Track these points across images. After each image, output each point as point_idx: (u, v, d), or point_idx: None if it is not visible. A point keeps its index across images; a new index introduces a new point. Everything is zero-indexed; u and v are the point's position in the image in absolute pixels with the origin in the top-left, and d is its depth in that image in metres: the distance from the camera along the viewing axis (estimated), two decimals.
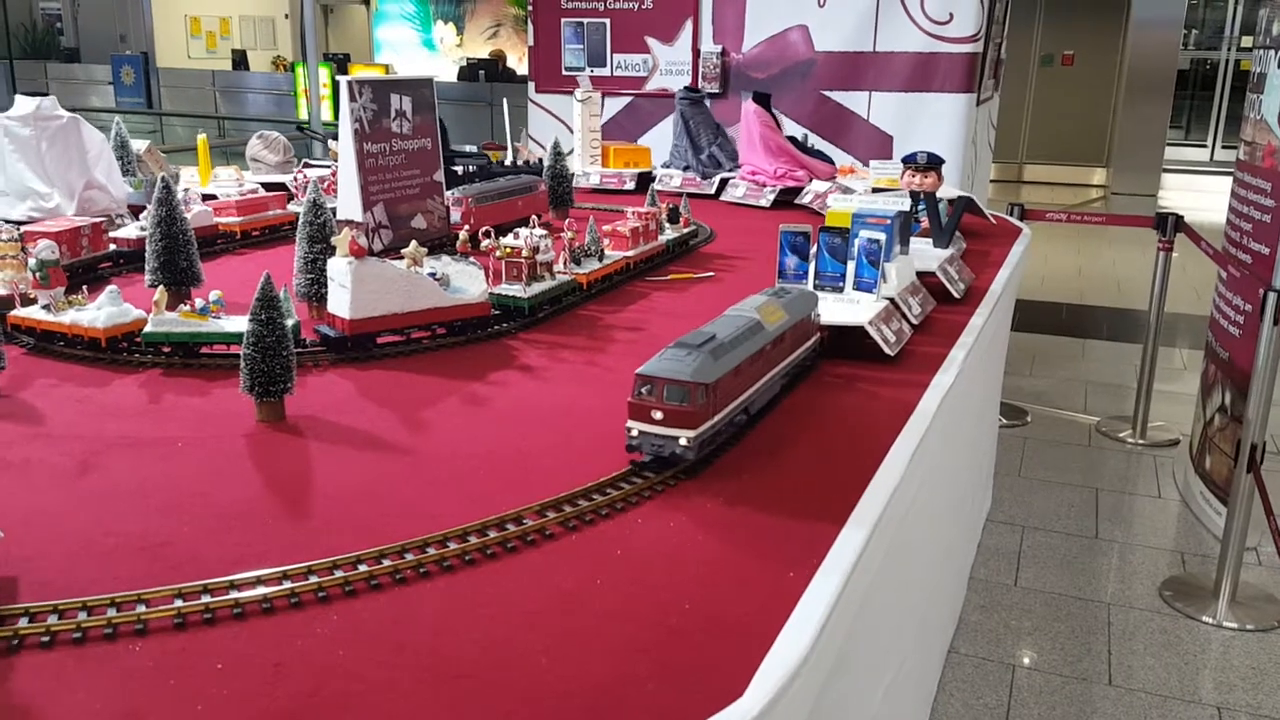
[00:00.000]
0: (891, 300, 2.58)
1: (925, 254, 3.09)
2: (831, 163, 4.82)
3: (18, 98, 3.51)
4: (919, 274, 2.92)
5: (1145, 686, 3.49)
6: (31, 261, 2.38)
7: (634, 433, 1.71)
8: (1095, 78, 15.75)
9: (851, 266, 2.55)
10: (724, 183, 4.76)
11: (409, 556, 1.44)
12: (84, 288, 2.50)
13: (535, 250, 2.74)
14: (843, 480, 1.74)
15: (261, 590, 1.33)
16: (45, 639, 1.23)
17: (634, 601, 1.37)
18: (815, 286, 2.53)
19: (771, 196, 4.47)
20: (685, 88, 5.26)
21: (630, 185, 4.94)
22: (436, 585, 1.39)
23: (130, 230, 3.11)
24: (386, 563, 1.42)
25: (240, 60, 17.66)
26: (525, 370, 2.38)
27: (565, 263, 2.90)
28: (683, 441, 1.68)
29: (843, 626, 1.42)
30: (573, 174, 4.97)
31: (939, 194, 3.59)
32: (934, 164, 3.73)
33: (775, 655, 1.24)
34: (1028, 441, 5.61)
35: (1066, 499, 4.93)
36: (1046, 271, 9.45)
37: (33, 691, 1.14)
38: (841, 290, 2.54)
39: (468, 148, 5.23)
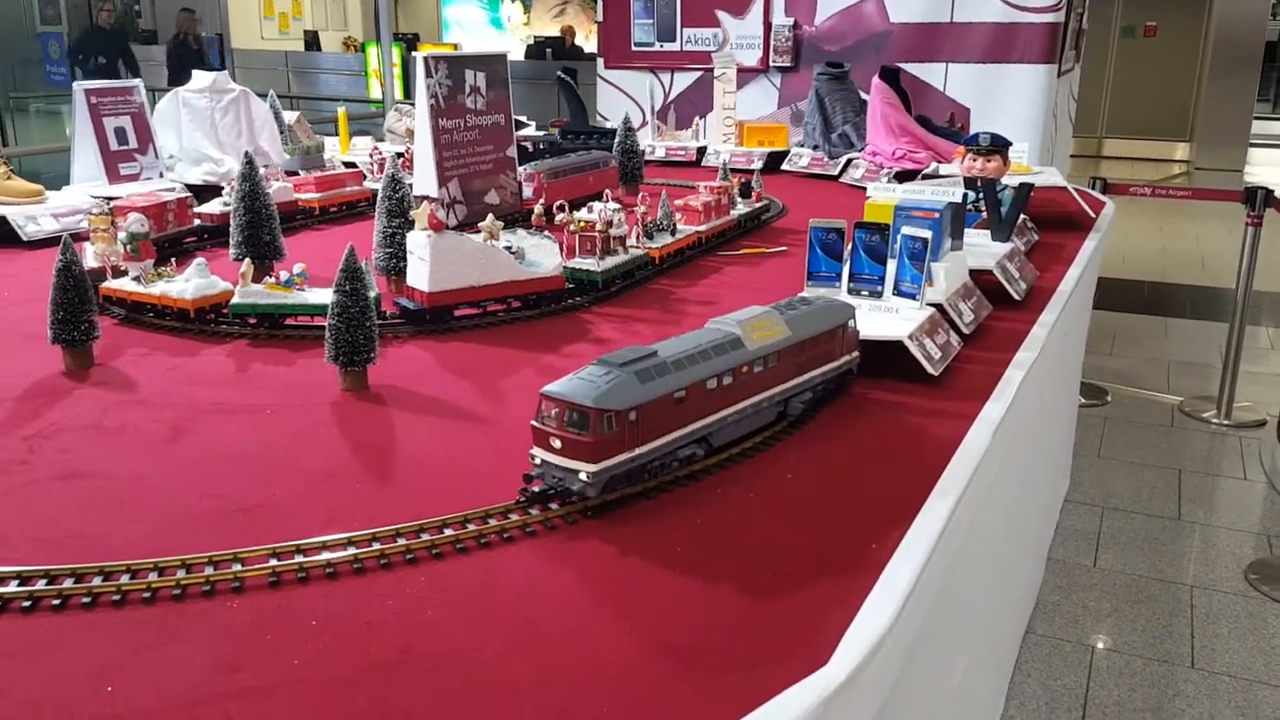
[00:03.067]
0: (938, 307, 2.25)
1: (982, 249, 2.74)
2: (1008, 145, 4.36)
3: (195, 72, 3.94)
4: (973, 272, 2.57)
5: (1230, 670, 3.41)
6: (121, 234, 2.45)
7: (537, 460, 1.49)
8: (1178, 49, 15.23)
9: (892, 268, 2.21)
10: (849, 164, 4.52)
11: (492, 522, 1.45)
12: (172, 260, 2.57)
13: (609, 224, 2.75)
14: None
15: (352, 551, 1.36)
16: (147, 595, 1.27)
17: (716, 569, 1.38)
18: (849, 291, 2.22)
19: (885, 179, 4.24)
20: (826, 63, 4.89)
21: (758, 165, 4.68)
22: (519, 550, 1.41)
23: (214, 206, 3.19)
24: (471, 527, 1.44)
25: (312, 41, 17.93)
26: (599, 343, 2.38)
27: (638, 237, 2.90)
28: (582, 476, 1.43)
29: (927, 597, 1.41)
30: (704, 147, 4.92)
31: (1005, 179, 3.18)
32: (998, 146, 3.24)
33: (861, 624, 1.24)
34: (1108, 421, 5.48)
35: (1148, 480, 4.81)
36: (1128, 248, 9.19)
37: (137, 645, 1.18)
38: (880, 296, 2.20)
39: (607, 124, 5.21)
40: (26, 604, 1.25)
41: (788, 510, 1.55)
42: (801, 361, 1.79)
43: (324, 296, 2.28)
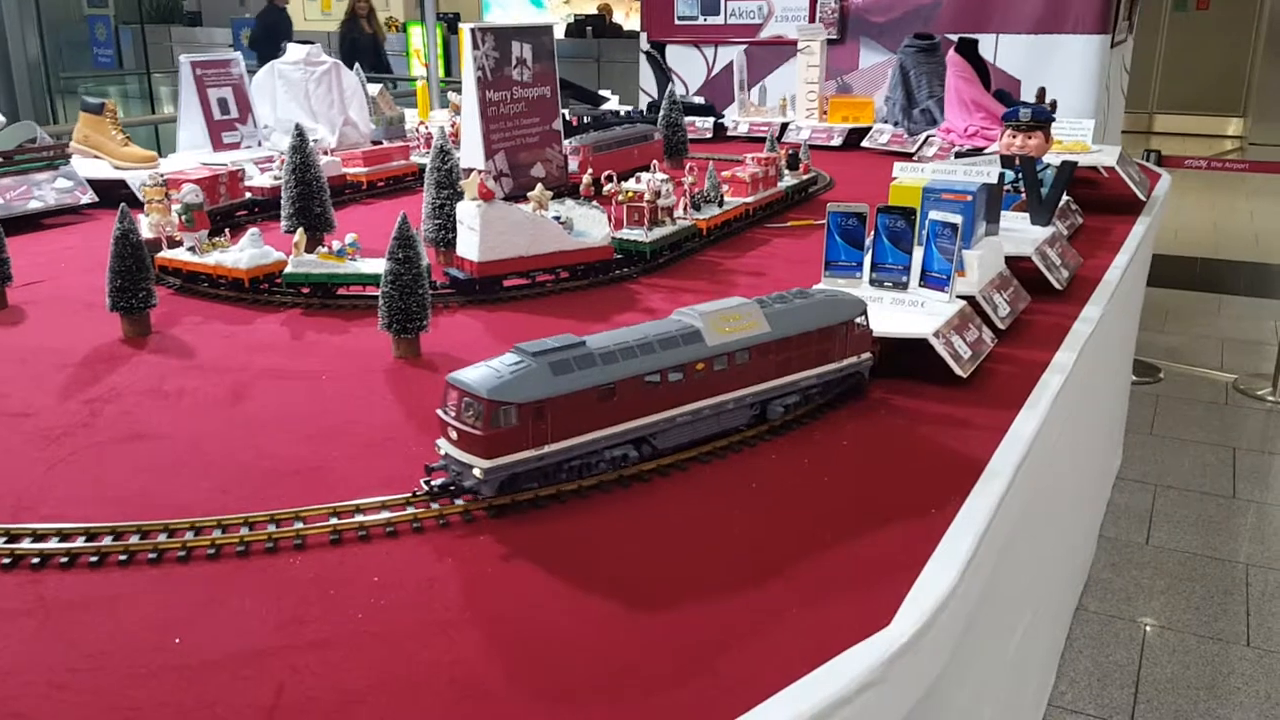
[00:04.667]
0: (970, 300, 2.07)
1: (1020, 234, 2.54)
2: (1051, 120, 4.18)
3: (290, 45, 4.06)
4: (1011, 260, 2.37)
5: None
6: (176, 205, 2.47)
7: (442, 450, 1.41)
8: (1233, 22, 14.84)
9: (918, 256, 2.02)
10: (926, 141, 4.35)
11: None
12: (226, 230, 2.59)
13: (656, 195, 2.73)
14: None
15: (411, 511, 1.37)
16: (211, 551, 1.29)
17: (775, 531, 1.37)
18: (871, 282, 2.04)
19: (951, 157, 4.17)
20: (914, 34, 4.63)
21: (837, 141, 4.60)
22: (571, 510, 1.41)
23: (264, 179, 3.21)
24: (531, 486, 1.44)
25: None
26: (648, 313, 2.37)
27: (685, 208, 2.88)
28: (476, 473, 1.34)
29: (988, 563, 1.39)
30: (787, 123, 4.83)
31: (1046, 158, 2.90)
32: (1040, 121, 2.93)
33: (922, 587, 1.23)
34: (1160, 399, 5.39)
35: (1201, 457, 4.73)
36: (1180, 224, 9.01)
37: (203, 599, 1.20)
38: (904, 287, 2.01)
39: (697, 100, 5.17)
40: (94, 559, 1.28)
41: (855, 470, 1.54)
42: (785, 361, 1.63)
43: (375, 266, 2.30)
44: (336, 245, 2.36)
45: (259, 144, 3.91)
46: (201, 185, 2.70)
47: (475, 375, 1.35)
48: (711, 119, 4.94)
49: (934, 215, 1.96)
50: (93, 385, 1.86)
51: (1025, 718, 2.51)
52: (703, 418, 1.55)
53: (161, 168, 3.45)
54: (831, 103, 4.82)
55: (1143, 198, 3.48)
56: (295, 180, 2.62)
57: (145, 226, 2.53)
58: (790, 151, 3.46)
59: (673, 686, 1.05)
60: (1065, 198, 2.93)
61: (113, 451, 1.59)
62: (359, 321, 2.23)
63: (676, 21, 6.06)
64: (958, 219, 1.92)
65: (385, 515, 1.36)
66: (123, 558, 1.28)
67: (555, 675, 1.07)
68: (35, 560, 1.27)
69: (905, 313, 1.95)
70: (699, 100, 5.21)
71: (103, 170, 3.49)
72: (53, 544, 1.30)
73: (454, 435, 1.36)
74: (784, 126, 4.82)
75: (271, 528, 1.33)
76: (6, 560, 1.27)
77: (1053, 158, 2.94)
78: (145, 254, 2.07)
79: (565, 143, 3.48)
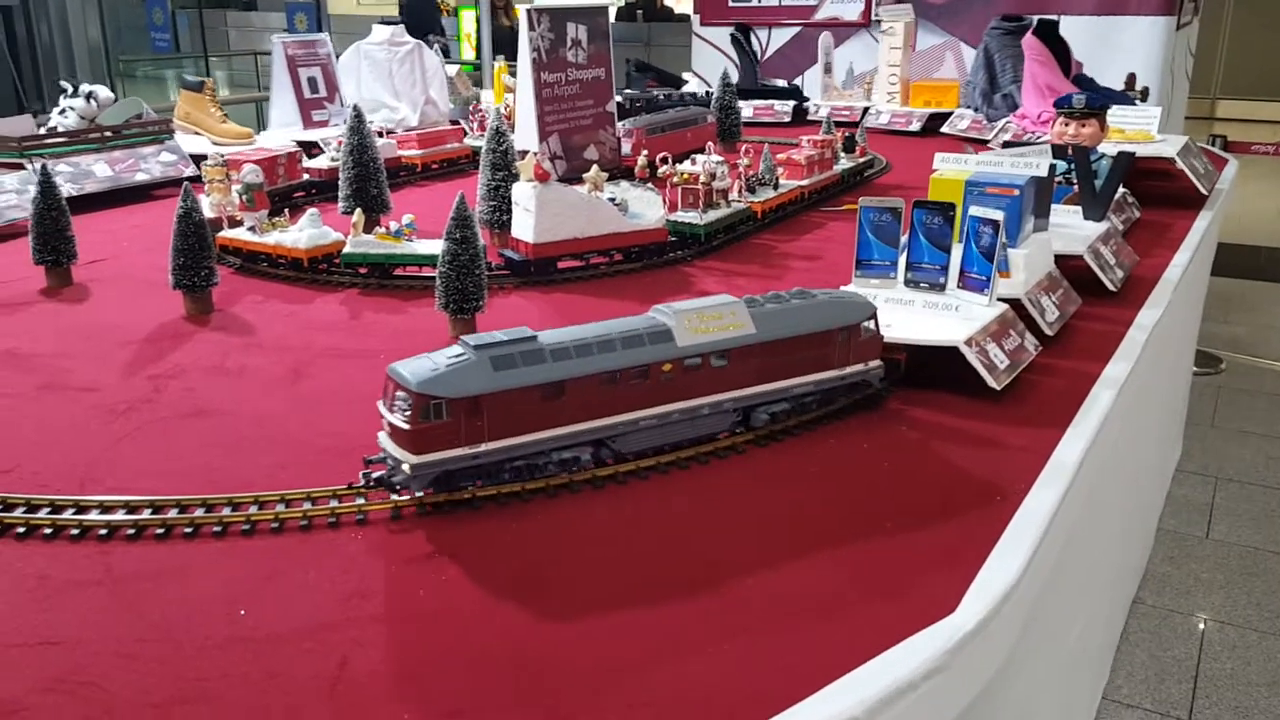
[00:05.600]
0: (1015, 303, 1.91)
1: (1071, 231, 2.36)
2: (1129, 103, 3.73)
3: (375, 26, 4.18)
4: (1061, 258, 2.21)
5: None
6: (237, 186, 2.50)
7: (381, 443, 1.35)
8: None
9: (958, 255, 1.86)
10: (1003, 128, 4.11)
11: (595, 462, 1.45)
12: (285, 210, 2.62)
13: (711, 177, 2.71)
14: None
15: (469, 490, 1.37)
16: (275, 525, 1.31)
17: (842, 518, 1.36)
18: (907, 282, 1.89)
19: (998, 147, 3.93)
20: (1002, 16, 4.37)
21: (916, 126, 4.45)
22: (632, 490, 1.40)
23: (321, 160, 3.24)
24: (586, 457, 1.43)
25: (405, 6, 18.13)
26: (705, 295, 2.36)
27: (740, 191, 2.86)
28: (405, 468, 1.29)
29: (1053, 553, 1.37)
30: (867, 107, 4.69)
31: (1101, 148, 2.74)
32: (1094, 110, 2.72)
33: (988, 575, 1.21)
34: (1222, 390, 5.26)
35: (1265, 450, 4.61)
36: (1245, 212, 8.76)
37: (267, 572, 1.21)
38: (941, 289, 1.86)
39: (779, 83, 5.11)
40: (160, 532, 1.30)
41: (920, 459, 1.52)
42: (772, 366, 1.52)
43: (432, 247, 2.31)
44: (394, 226, 2.37)
45: (344, 122, 3.96)
46: (260, 166, 2.73)
47: (410, 367, 1.30)
48: (792, 103, 4.80)
49: (974, 211, 1.80)
50: (156, 361, 1.89)
51: (1080, 711, 2.47)
52: (673, 422, 1.44)
53: (257, 143, 3.63)
54: (914, 86, 4.66)
55: (1205, 191, 3.29)
56: (353, 162, 2.63)
57: (206, 206, 2.56)
58: (846, 134, 3.42)
59: (736, 664, 1.05)
60: (1121, 190, 2.76)
61: (177, 427, 1.62)
62: (415, 302, 2.25)
63: (730, 4, 6.01)
64: (1000, 215, 1.76)
65: (444, 495, 1.36)
66: (188, 530, 1.30)
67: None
68: (103, 531, 1.29)
69: (938, 317, 1.80)
70: (781, 83, 5.12)
71: (202, 146, 3.64)
72: (119, 516, 1.32)
73: (387, 428, 1.32)
74: (865, 111, 4.70)
75: (333, 503, 1.34)
76: (75, 531, 1.29)
77: (1109, 147, 2.78)
78: (208, 233, 2.10)
79: (619, 125, 3.47)
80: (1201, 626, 3.37)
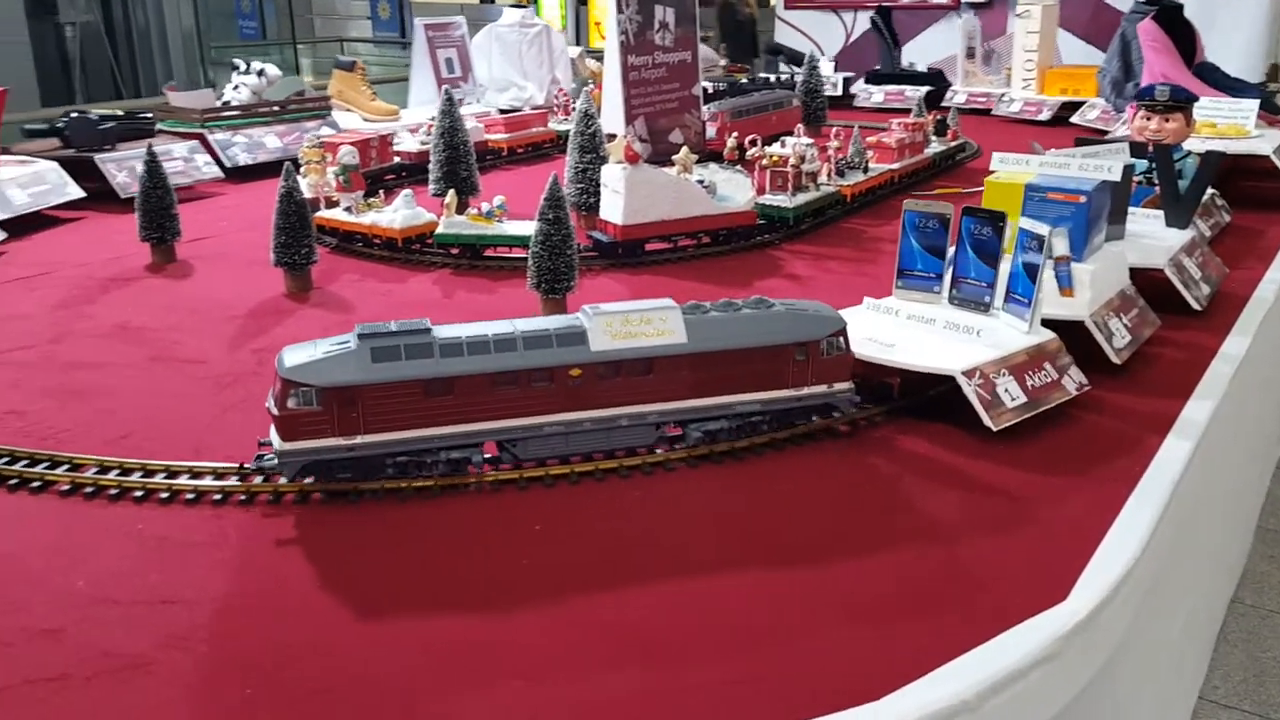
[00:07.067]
0: (1076, 326, 1.67)
1: (1151, 240, 2.08)
2: (1260, 96, 3.37)
3: (505, 9, 4.44)
4: (1137, 272, 1.93)
5: None
6: (334, 167, 2.55)
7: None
8: None
9: (1005, 269, 1.63)
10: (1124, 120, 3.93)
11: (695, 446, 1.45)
12: (380, 191, 2.67)
13: (801, 159, 2.69)
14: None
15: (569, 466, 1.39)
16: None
17: (943, 508, 1.34)
18: (951, 300, 1.68)
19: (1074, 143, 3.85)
20: (1141, 1, 4.08)
21: (1046, 116, 4.27)
22: (727, 470, 1.40)
23: (411, 143, 3.28)
24: (679, 449, 1.44)
25: None
26: (793, 279, 2.34)
27: (829, 174, 2.82)
28: (270, 453, 1.28)
29: (1164, 543, 1.33)
30: (1003, 96, 4.56)
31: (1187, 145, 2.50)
32: (1179, 102, 2.47)
33: (1100, 563, 1.18)
34: None
35: None
36: None
37: (393, 541, 1.24)
38: (987, 309, 1.63)
39: (919, 68, 5.03)
40: (270, 498, 1.33)
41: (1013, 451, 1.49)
42: (708, 380, 1.38)
43: (523, 228, 2.33)
44: (485, 207, 2.40)
45: (477, 100, 4.27)
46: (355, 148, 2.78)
47: (291, 352, 1.27)
48: (924, 89, 4.56)
49: (1023, 223, 1.58)
50: (259, 336, 1.94)
51: (1178, 710, 2.40)
52: (584, 431, 1.35)
53: (402, 119, 3.83)
54: (1049, 73, 4.44)
55: None
56: (444, 144, 2.66)
57: (304, 187, 2.62)
58: (939, 118, 3.36)
59: (834, 649, 1.04)
60: (1210, 192, 2.49)
61: None
62: (505, 282, 2.27)
63: None
64: (1045, 229, 1.53)
65: (544, 470, 1.38)
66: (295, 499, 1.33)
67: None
68: (217, 497, 1.33)
69: (952, 340, 1.58)
70: (921, 68, 5.00)
71: (353, 121, 3.87)
72: (232, 482, 1.36)
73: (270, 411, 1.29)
74: (1000, 97, 4.55)
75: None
76: (190, 496, 1.33)
77: (1196, 144, 2.54)
78: (308, 212, 2.14)
79: (704, 108, 3.45)
80: None
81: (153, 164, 2.33)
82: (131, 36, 8.37)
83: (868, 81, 4.74)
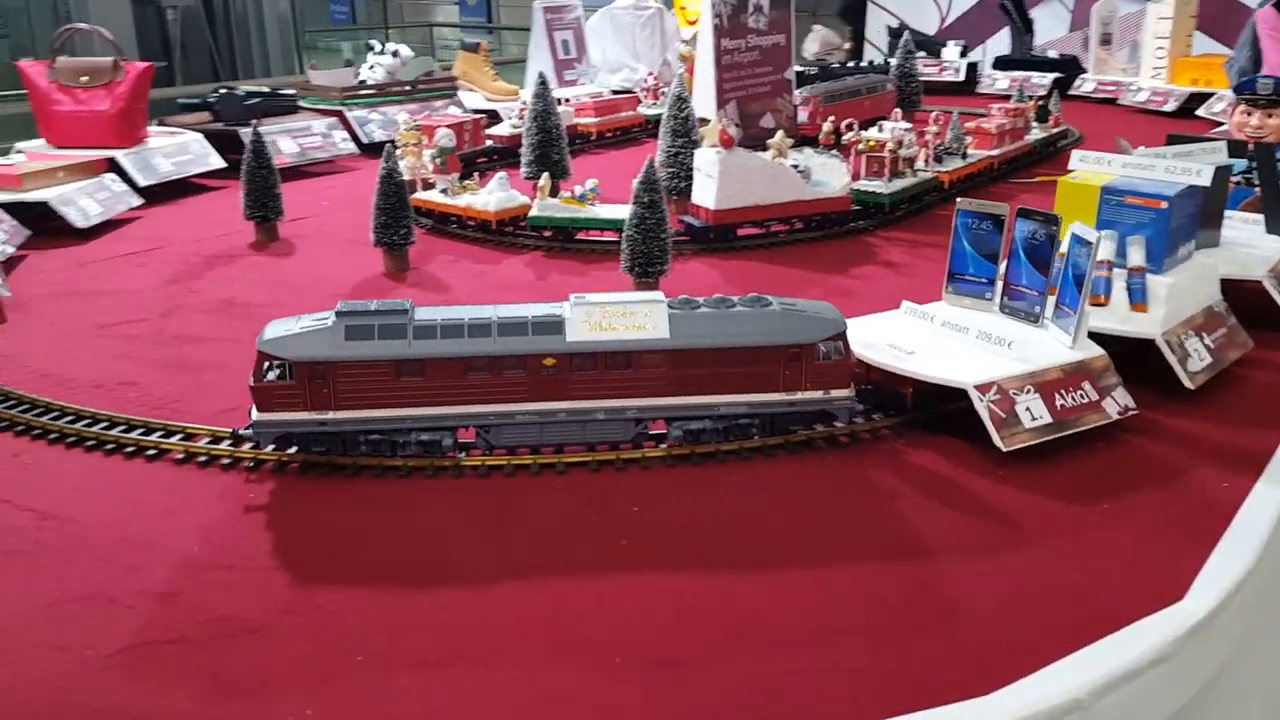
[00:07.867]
0: (1147, 344, 1.51)
1: (1248, 247, 1.85)
2: None
3: None
4: (1231, 284, 1.72)
5: None
6: (431, 149, 2.58)
7: None
8: None
9: (1058, 277, 1.50)
10: None
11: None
12: (475, 174, 2.69)
13: (898, 144, 2.64)
14: None
15: (664, 447, 1.39)
16: (481, 470, 1.35)
17: (1053, 504, 1.31)
18: (1001, 308, 1.56)
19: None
20: None
21: (1171, 106, 4.09)
22: (827, 460, 1.39)
23: (503, 128, 3.31)
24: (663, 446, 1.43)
25: None
26: (889, 266, 2.31)
27: (927, 160, 2.77)
28: (247, 422, 1.31)
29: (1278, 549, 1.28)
30: (1132, 86, 4.34)
31: None
32: None
33: (1217, 563, 1.14)
34: None
35: None
36: None
37: (510, 510, 1.26)
38: (1037, 320, 1.51)
39: (1050, 54, 4.92)
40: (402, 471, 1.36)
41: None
42: (691, 378, 1.33)
43: (615, 212, 2.33)
44: (578, 190, 2.41)
45: (591, 80, 4.36)
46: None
47: (272, 326, 1.30)
48: (1051, 75, 4.45)
49: (1075, 228, 1.43)
50: None
51: None
52: (559, 422, 1.32)
53: (522, 98, 3.80)
54: (1180, 62, 4.24)
55: None
56: (537, 128, 2.67)
57: (401, 169, 2.66)
58: (1040, 103, 3.27)
59: (927, 638, 1.02)
60: None
61: None
62: (597, 265, 2.28)
63: None
64: (1094, 235, 1.39)
65: (640, 451, 1.38)
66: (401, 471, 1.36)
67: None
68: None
69: (978, 351, 1.46)
70: (1053, 54, 4.85)
71: (477, 101, 3.98)
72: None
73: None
74: (1128, 86, 4.37)
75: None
76: (296, 467, 1.37)
77: None
78: (406, 193, 2.17)
79: (796, 92, 3.41)
80: None
81: (258, 144, 2.39)
82: (230, 20, 8.60)
83: (995, 67, 4.60)
